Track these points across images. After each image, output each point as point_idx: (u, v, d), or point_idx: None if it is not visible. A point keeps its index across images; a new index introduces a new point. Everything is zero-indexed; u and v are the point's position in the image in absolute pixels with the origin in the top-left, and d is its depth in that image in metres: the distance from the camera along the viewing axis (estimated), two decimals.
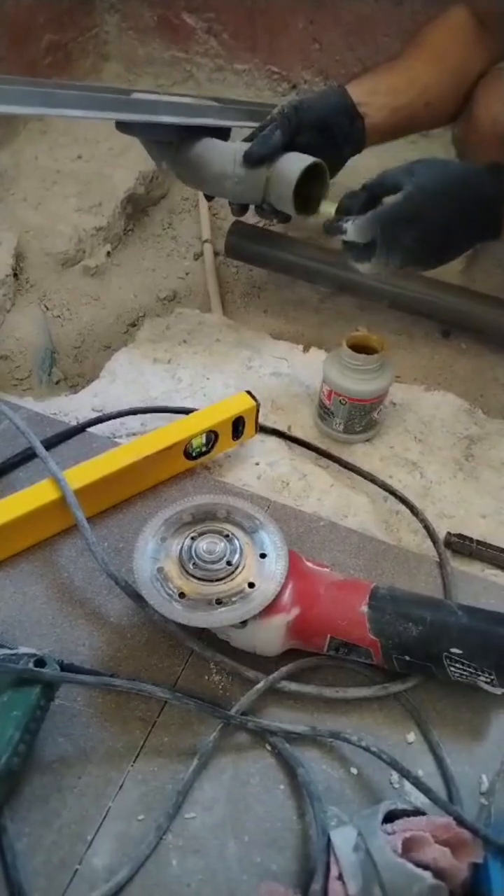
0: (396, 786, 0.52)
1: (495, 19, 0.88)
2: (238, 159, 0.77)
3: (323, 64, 1.34)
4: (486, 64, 0.92)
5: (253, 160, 0.77)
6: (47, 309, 1.13)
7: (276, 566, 0.54)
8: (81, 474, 0.64)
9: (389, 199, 0.68)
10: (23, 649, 0.49)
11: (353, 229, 0.68)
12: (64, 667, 0.51)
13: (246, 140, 0.81)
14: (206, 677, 0.57)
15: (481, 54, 0.91)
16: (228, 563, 0.53)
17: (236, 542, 0.55)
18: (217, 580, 0.52)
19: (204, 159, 0.79)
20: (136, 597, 0.56)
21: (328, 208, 0.76)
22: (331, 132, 0.82)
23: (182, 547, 0.54)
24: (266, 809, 0.50)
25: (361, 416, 0.76)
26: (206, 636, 0.57)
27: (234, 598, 0.52)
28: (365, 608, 0.53)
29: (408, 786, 0.51)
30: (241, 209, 0.86)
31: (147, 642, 0.58)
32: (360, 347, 0.73)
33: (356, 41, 1.29)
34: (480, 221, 0.71)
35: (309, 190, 0.78)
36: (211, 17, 1.39)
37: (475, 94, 0.94)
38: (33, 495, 0.62)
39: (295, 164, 0.76)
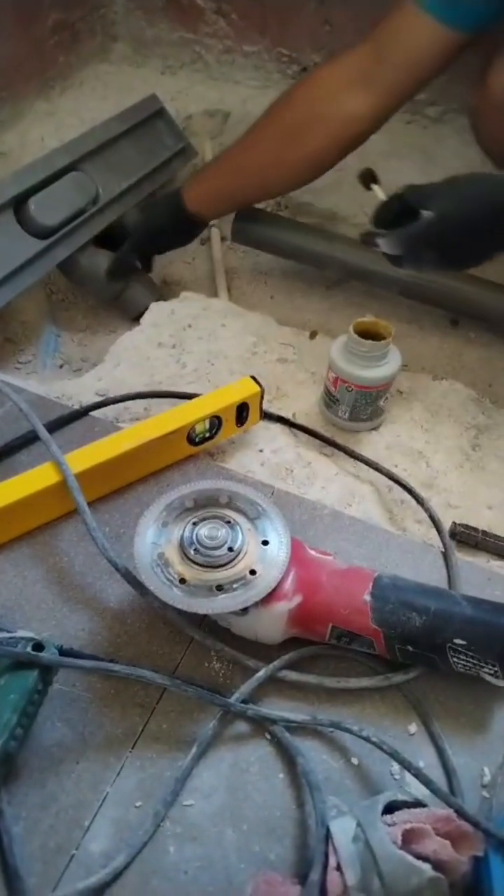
0: (397, 777, 0.51)
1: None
2: (104, 271, 1.00)
3: (333, 46, 1.31)
4: (366, 124, 0.86)
5: (113, 277, 1.00)
6: (52, 293, 1.12)
7: (278, 553, 0.53)
8: (83, 458, 0.64)
9: (419, 219, 0.70)
10: (21, 633, 0.49)
11: (384, 244, 0.73)
12: (63, 651, 0.51)
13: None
14: (207, 664, 0.56)
15: (358, 114, 0.85)
16: (230, 550, 0.52)
17: (238, 528, 0.54)
18: (218, 566, 0.52)
19: (84, 266, 1.00)
20: (136, 583, 0.55)
21: (379, 193, 0.79)
22: (174, 237, 1.01)
23: (183, 533, 0.53)
24: (265, 798, 0.50)
25: (367, 404, 0.75)
26: (206, 623, 0.57)
27: (235, 585, 0.51)
28: (368, 597, 0.53)
29: (408, 777, 0.51)
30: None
31: (147, 628, 0.58)
32: (367, 334, 0.72)
33: (367, 23, 1.26)
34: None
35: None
36: None
37: (490, 65, 0.92)
38: (34, 478, 0.62)
39: (140, 299, 1.02)
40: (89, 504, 0.60)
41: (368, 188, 0.80)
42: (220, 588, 0.51)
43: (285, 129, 0.87)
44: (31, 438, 0.71)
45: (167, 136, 1.20)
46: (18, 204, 0.92)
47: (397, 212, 0.72)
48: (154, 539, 0.53)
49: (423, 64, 0.82)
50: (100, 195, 1.01)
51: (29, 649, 0.47)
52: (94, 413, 0.77)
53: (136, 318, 0.96)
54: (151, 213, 1.00)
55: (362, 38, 0.84)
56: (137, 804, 0.49)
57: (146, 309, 0.94)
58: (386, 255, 0.74)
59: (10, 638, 0.48)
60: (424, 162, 1.28)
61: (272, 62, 1.39)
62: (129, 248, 0.99)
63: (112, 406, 0.78)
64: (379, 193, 0.78)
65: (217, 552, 0.52)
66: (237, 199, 0.98)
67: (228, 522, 0.54)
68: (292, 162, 0.89)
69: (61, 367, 1.01)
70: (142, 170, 1.11)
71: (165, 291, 1.13)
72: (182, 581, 0.51)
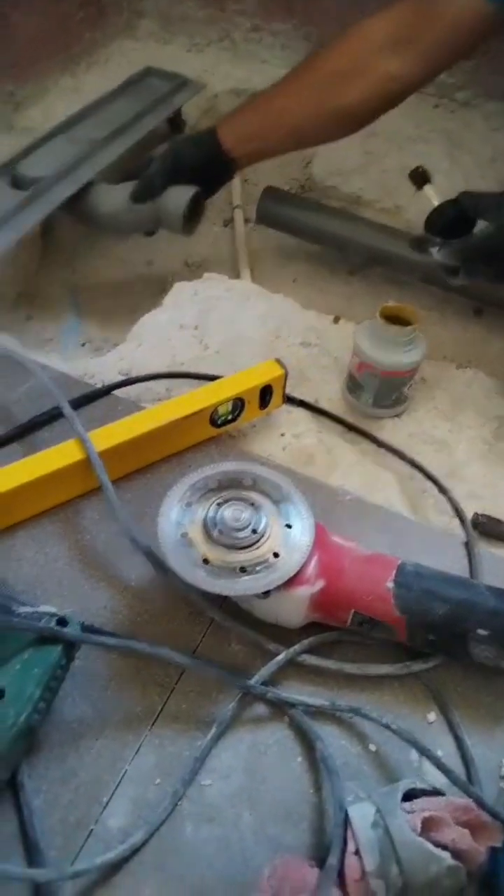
0: (415, 765, 0.51)
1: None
2: (125, 200, 0.92)
3: None
4: (403, 84, 0.85)
5: (138, 199, 0.92)
6: (74, 271, 1.12)
7: (301, 537, 0.53)
8: (106, 436, 0.63)
9: (476, 232, 0.70)
10: (44, 608, 0.49)
11: (439, 255, 0.72)
12: (84, 628, 0.51)
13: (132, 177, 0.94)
14: (227, 646, 0.56)
15: (397, 73, 0.83)
16: (254, 532, 0.52)
17: (262, 510, 0.54)
18: (241, 548, 0.52)
19: (97, 203, 0.93)
20: (158, 563, 0.55)
21: (432, 196, 0.77)
22: (205, 174, 0.93)
23: (207, 513, 0.53)
24: (282, 781, 0.50)
25: (391, 390, 0.74)
26: (227, 605, 0.57)
27: (258, 567, 0.51)
28: (391, 584, 0.52)
29: (426, 765, 0.51)
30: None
31: (168, 608, 0.58)
32: (393, 319, 0.71)
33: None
34: None
35: (191, 211, 0.92)
36: None
37: None
38: (58, 455, 0.62)
39: (179, 197, 0.90)
40: (114, 482, 0.60)
41: (420, 188, 0.79)
42: (243, 570, 0.51)
43: (324, 78, 0.87)
44: (54, 415, 0.70)
45: (160, 82, 1.18)
46: (14, 177, 0.91)
47: (451, 218, 0.71)
48: (178, 519, 0.53)
49: (461, 32, 0.82)
50: (94, 140, 0.99)
51: (52, 624, 0.47)
52: (117, 392, 0.76)
53: (185, 230, 0.92)
54: (184, 141, 0.96)
55: None
56: (156, 782, 0.49)
57: (188, 206, 0.90)
58: (439, 264, 0.73)
59: (34, 613, 0.48)
60: (451, 147, 1.26)
61: (300, 41, 1.37)
62: (156, 170, 0.92)
63: (134, 386, 0.77)
64: (432, 197, 0.76)
65: (241, 534, 0.52)
66: (269, 143, 0.93)
67: (252, 504, 0.54)
68: (328, 112, 0.88)
69: (83, 345, 1.01)
70: (137, 108, 1.08)
71: (188, 273, 1.13)
72: (205, 561, 0.51)
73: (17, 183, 0.90)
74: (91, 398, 0.75)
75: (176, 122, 1.18)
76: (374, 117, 0.89)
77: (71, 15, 1.30)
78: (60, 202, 0.89)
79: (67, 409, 0.65)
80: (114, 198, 0.93)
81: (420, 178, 0.78)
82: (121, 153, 1.00)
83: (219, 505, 0.54)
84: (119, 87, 1.13)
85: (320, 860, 0.45)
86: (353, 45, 0.85)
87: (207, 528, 0.52)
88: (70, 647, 0.48)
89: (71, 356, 0.94)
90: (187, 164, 0.92)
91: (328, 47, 0.88)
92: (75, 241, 1.11)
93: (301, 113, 0.88)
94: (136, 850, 0.45)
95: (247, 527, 0.52)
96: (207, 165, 0.92)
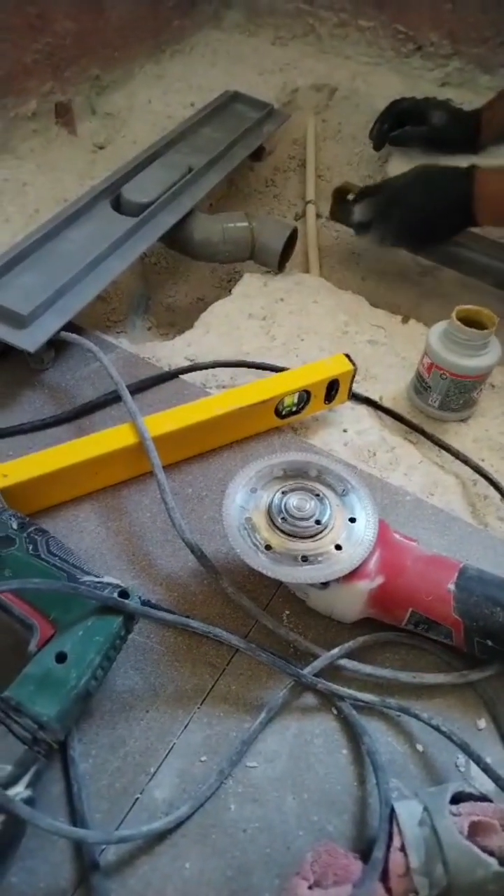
0: (462, 769, 0.51)
1: None
2: (221, 230, 0.93)
3: (454, 25, 1.27)
4: None
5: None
6: (145, 255, 1.13)
7: (365, 532, 0.53)
8: (176, 418, 0.64)
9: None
10: (108, 578, 0.50)
11: (358, 210, 0.95)
12: (143, 602, 0.52)
13: None
14: (278, 635, 0.56)
15: None
16: (317, 522, 0.52)
17: (327, 502, 0.54)
18: (304, 538, 0.52)
19: (192, 231, 0.94)
20: (209, 566, 0.56)
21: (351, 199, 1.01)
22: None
23: (272, 500, 0.54)
24: (327, 771, 0.50)
25: (460, 394, 0.73)
26: (281, 592, 0.57)
27: (319, 558, 0.51)
28: (452, 586, 0.52)
29: (474, 771, 0.50)
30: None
31: (222, 592, 0.58)
32: (468, 321, 0.70)
33: (492, 3, 1.22)
34: (454, 210, 0.90)
35: (285, 247, 0.93)
36: None
37: None
38: (113, 437, 0.63)
39: (277, 234, 0.93)
40: (174, 464, 0.61)
41: (345, 200, 1.00)
42: (304, 559, 0.51)
43: None
44: (118, 397, 0.71)
45: (249, 110, 1.17)
46: (116, 199, 0.93)
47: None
48: (242, 503, 0.54)
49: None
50: (192, 168, 1.00)
51: (115, 595, 0.48)
52: (183, 377, 0.77)
53: (279, 266, 0.94)
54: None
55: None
56: (202, 759, 0.50)
57: (284, 243, 0.91)
58: (358, 224, 0.97)
59: (98, 583, 0.49)
60: None
61: (387, 38, 1.35)
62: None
63: (200, 371, 0.78)
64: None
65: (304, 523, 0.52)
66: None
67: (317, 496, 0.54)
68: None
69: (149, 329, 1.03)
70: (230, 138, 1.08)
71: (255, 265, 1.13)
72: (268, 548, 0.51)
73: (121, 207, 0.92)
74: (158, 380, 0.76)
75: (257, 148, 1.18)
76: None
77: (163, 1, 1.32)
78: (165, 230, 0.91)
79: (125, 394, 0.66)
80: (209, 227, 0.94)
81: (342, 192, 0.99)
82: (216, 182, 1.01)
83: (283, 493, 0.54)
84: (201, 111, 1.13)
85: (362, 852, 0.45)
86: None
87: (272, 514, 0.53)
88: (130, 618, 0.49)
89: (139, 339, 0.96)
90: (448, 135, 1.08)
91: None
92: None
93: None
94: (180, 823, 0.46)
95: (311, 517, 0.52)
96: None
